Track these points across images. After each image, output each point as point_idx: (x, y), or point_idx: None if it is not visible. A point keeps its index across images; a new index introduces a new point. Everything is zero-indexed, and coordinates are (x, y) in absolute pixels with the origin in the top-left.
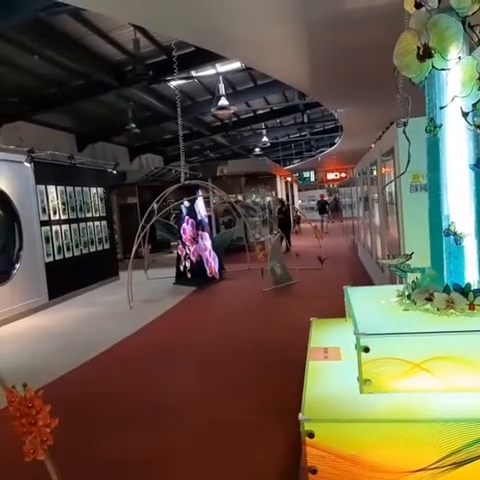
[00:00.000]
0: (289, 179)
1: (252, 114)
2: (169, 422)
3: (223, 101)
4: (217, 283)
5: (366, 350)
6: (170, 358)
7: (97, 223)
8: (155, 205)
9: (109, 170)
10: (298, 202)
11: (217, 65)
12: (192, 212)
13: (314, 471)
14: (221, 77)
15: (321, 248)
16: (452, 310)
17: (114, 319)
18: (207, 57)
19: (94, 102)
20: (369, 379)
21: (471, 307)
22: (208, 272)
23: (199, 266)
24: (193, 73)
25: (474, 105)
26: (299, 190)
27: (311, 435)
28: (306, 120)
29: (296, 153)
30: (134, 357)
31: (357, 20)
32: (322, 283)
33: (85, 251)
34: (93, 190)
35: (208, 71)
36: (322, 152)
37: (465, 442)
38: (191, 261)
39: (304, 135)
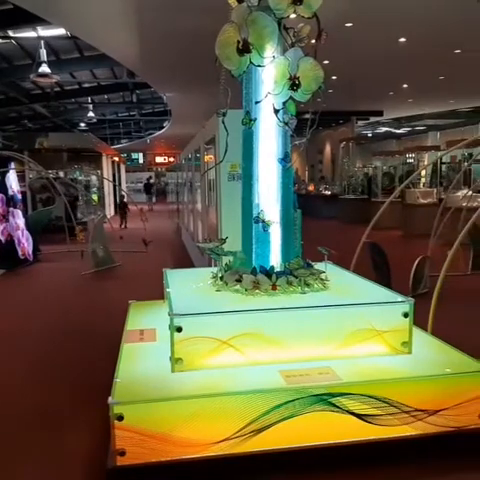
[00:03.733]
0: (116, 159)
1: (77, 86)
2: None
3: (44, 68)
4: (31, 266)
5: (179, 330)
6: None
7: None
8: None
9: None
10: (125, 184)
11: (39, 28)
12: (2, 187)
13: (122, 453)
14: (43, 42)
15: (146, 231)
16: (258, 290)
17: None
18: (27, 18)
19: None
20: (181, 358)
21: (273, 287)
22: (20, 253)
23: (9, 246)
24: (10, 33)
25: (284, 103)
26: (127, 171)
27: (120, 418)
28: (135, 100)
29: (124, 133)
30: None
31: (188, 6)
32: (145, 266)
33: None
34: None
35: (28, 33)
36: (151, 134)
37: (263, 410)
38: (0, 241)
39: (133, 115)
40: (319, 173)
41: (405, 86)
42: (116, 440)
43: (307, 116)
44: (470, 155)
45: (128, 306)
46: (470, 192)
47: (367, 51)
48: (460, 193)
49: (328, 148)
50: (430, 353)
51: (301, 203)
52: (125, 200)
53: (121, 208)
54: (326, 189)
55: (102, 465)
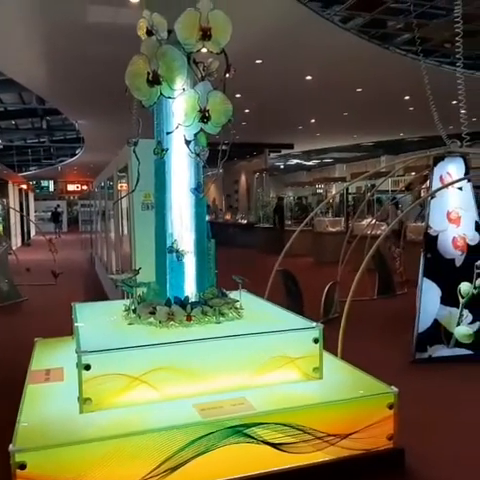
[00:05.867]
0: (24, 187)
1: None
2: None
3: None
4: None
5: (87, 368)
6: None
7: None
8: None
9: None
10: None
11: None
12: None
13: None
14: None
15: (55, 262)
16: (172, 322)
17: None
18: None
19: None
20: (89, 398)
21: (188, 318)
22: None
23: None
24: None
25: (195, 135)
26: (36, 199)
27: (23, 466)
28: (45, 126)
29: (33, 160)
30: None
31: (99, 34)
32: (54, 300)
33: None
34: None
35: None
36: (63, 162)
37: (178, 447)
38: None
39: (43, 142)
40: (236, 202)
41: (313, 121)
42: None
43: (223, 147)
44: (372, 186)
45: (34, 344)
46: (373, 220)
47: (277, 87)
48: (364, 222)
49: (243, 178)
50: (340, 377)
51: (218, 232)
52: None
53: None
54: (242, 218)
55: None
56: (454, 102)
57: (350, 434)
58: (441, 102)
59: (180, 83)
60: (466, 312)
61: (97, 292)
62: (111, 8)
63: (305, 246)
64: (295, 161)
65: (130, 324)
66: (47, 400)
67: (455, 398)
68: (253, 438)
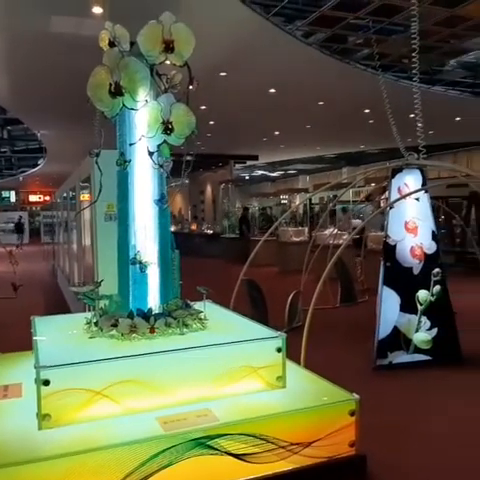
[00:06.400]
0: None
1: None
2: None
3: None
4: None
5: (46, 383)
6: None
7: None
8: None
9: None
10: None
11: None
12: None
13: None
14: None
15: (16, 274)
16: (135, 334)
17: None
18: None
19: None
20: (48, 414)
21: (152, 330)
22: None
23: None
24: None
25: (158, 146)
26: None
27: None
28: (6, 136)
29: None
30: None
31: (61, 44)
32: (13, 313)
33: None
34: None
35: None
36: (24, 172)
37: (140, 461)
38: None
39: (4, 152)
40: (202, 213)
41: (277, 133)
42: None
43: (188, 158)
44: (334, 196)
45: None
46: (335, 230)
47: (241, 99)
48: (327, 231)
49: (209, 189)
50: (302, 386)
51: (184, 242)
52: None
53: None
54: (208, 228)
55: None
56: (412, 115)
57: (313, 442)
58: (399, 115)
59: (143, 95)
60: (424, 319)
61: (59, 305)
62: (74, 19)
63: (270, 256)
64: (260, 172)
65: (91, 337)
66: (4, 417)
67: (415, 403)
68: (217, 450)
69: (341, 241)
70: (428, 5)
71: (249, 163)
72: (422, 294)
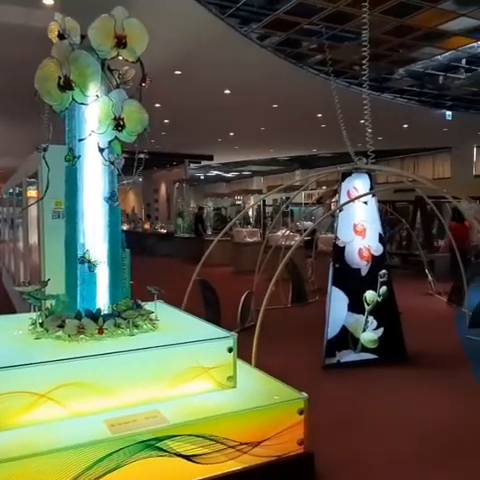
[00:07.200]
0: None
1: None
2: None
3: None
4: None
5: None
6: None
7: None
8: None
9: None
10: None
11: None
12: None
13: None
14: None
15: None
16: (83, 335)
17: None
18: None
19: None
20: None
21: (100, 331)
22: None
23: None
24: None
25: (109, 143)
26: None
27: None
28: None
29: None
30: None
31: (9, 34)
32: None
33: None
34: None
35: None
36: None
37: (86, 465)
38: None
39: None
40: (156, 212)
41: (232, 134)
42: None
43: (140, 156)
44: (287, 198)
45: None
46: (288, 231)
47: (196, 99)
48: (280, 233)
49: (163, 188)
50: (253, 385)
51: (137, 241)
52: None
53: None
54: (162, 227)
55: None
56: (362, 121)
57: (262, 441)
58: (350, 121)
59: (93, 89)
60: (371, 318)
61: (4, 305)
62: (22, 9)
63: (224, 256)
64: (215, 172)
65: (37, 338)
66: None
67: (362, 401)
68: (166, 451)
69: (293, 242)
70: (379, 14)
71: (204, 163)
72: (369, 295)
